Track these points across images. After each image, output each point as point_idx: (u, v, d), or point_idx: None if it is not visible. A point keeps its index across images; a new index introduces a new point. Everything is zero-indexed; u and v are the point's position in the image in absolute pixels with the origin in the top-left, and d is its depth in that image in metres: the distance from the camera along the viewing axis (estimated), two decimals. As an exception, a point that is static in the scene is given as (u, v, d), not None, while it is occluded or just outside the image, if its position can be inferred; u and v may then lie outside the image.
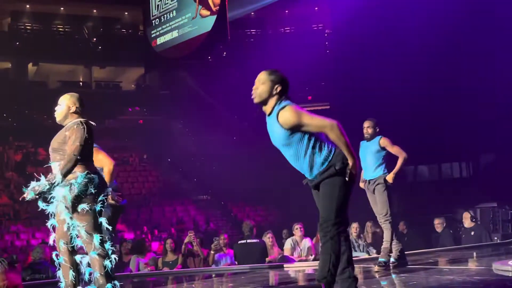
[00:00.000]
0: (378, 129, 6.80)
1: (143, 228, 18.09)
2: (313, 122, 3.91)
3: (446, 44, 16.94)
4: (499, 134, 15.16)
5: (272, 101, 4.03)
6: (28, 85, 25.21)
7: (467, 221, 10.32)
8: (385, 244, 6.71)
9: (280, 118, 3.93)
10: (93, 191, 4.38)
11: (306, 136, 3.96)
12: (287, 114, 3.91)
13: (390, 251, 6.77)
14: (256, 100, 4.07)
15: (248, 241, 8.29)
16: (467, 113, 16.37)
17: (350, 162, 3.91)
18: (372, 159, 6.70)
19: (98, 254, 4.35)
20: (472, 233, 10.19)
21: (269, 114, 4.06)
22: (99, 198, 4.44)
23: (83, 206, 4.35)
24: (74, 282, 4.44)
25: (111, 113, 25.20)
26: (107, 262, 4.38)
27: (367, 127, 6.80)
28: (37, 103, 22.85)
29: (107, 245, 4.47)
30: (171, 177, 22.92)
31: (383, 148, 6.67)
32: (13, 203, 18.64)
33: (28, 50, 24.86)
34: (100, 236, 4.39)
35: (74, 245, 4.44)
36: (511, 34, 14.62)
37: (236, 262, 8.40)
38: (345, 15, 21.91)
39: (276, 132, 4.01)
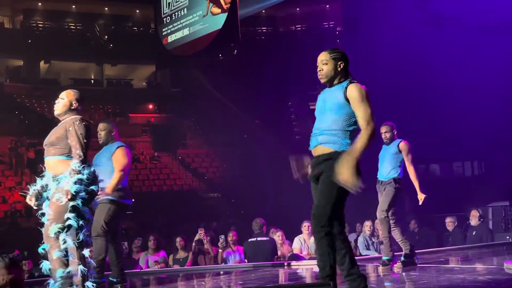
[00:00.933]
0: (395, 132, 6.81)
1: (152, 226, 18.13)
2: (365, 109, 3.96)
3: (460, 41, 16.82)
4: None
5: (338, 79, 4.14)
6: (40, 83, 25.34)
7: (474, 220, 10.22)
8: (384, 240, 6.72)
9: (350, 88, 4.02)
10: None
11: (354, 116, 4.00)
12: (358, 88, 4.01)
13: (393, 249, 6.74)
14: (323, 80, 4.16)
15: (258, 238, 8.27)
16: (480, 111, 16.26)
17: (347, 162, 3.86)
18: (389, 161, 6.71)
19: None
20: (474, 232, 10.09)
21: (332, 86, 4.16)
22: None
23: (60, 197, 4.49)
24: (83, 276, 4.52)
25: (122, 111, 25.30)
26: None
27: (385, 132, 6.82)
28: (49, 101, 22.95)
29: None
30: (181, 175, 22.95)
31: (401, 152, 6.68)
32: (25, 200, 18.75)
33: (40, 48, 25.00)
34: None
35: (81, 240, 4.52)
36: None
37: (246, 260, 8.38)
38: (357, 12, 21.85)
39: (333, 97, 4.08)
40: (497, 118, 16.17)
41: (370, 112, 3.96)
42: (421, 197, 6.70)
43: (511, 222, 11.54)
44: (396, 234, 6.67)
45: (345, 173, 3.78)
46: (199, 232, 9.36)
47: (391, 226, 6.64)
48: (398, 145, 6.70)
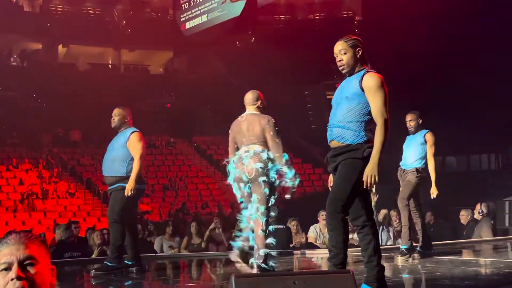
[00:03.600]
0: (420, 121, 6.71)
1: (169, 211, 18.23)
2: (380, 100, 3.95)
3: (481, 34, 16.66)
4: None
5: (358, 66, 4.12)
6: (58, 67, 25.46)
7: (477, 214, 10.13)
8: (403, 229, 6.66)
9: (366, 77, 4.00)
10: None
11: (369, 105, 4.00)
12: (374, 77, 4.00)
13: (412, 238, 6.70)
14: (345, 70, 4.14)
15: (274, 226, 8.25)
16: (499, 105, 16.11)
17: (370, 164, 3.88)
18: (415, 151, 6.63)
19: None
20: (476, 227, 9.99)
21: (352, 74, 4.14)
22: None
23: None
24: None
25: (139, 96, 25.34)
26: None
27: (410, 121, 6.72)
28: (67, 85, 23.08)
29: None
30: (196, 161, 23.02)
31: (426, 142, 6.60)
32: (41, 183, 18.92)
33: (59, 32, 25.08)
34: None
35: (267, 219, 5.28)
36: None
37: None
38: (376, 2, 21.66)
39: (350, 86, 4.08)
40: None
41: (382, 102, 3.95)
42: (434, 191, 6.62)
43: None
44: (417, 223, 6.64)
45: (369, 174, 3.85)
46: (214, 221, 9.43)
47: (413, 214, 6.59)
48: (424, 136, 6.61)
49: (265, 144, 5.32)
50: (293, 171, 5.28)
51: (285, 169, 5.23)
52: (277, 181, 5.24)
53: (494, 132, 16.28)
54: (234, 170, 5.39)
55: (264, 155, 5.26)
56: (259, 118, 5.41)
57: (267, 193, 5.19)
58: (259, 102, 5.52)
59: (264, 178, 5.18)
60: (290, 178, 5.24)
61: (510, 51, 16.16)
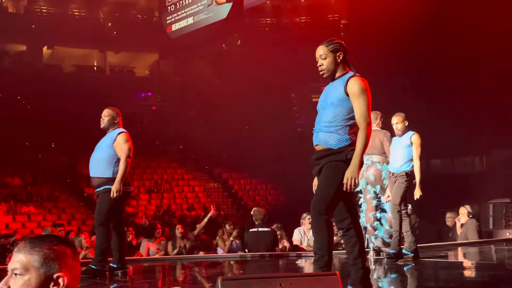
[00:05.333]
0: (407, 123, 6.72)
1: (154, 214, 18.16)
2: (363, 105, 3.98)
3: (461, 38, 16.79)
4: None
5: (340, 70, 4.12)
6: (43, 68, 25.29)
7: (463, 216, 10.18)
8: (394, 234, 6.66)
9: (351, 82, 4.02)
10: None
11: (353, 110, 4.02)
12: (359, 82, 4.02)
13: (401, 243, 6.71)
14: (325, 75, 4.15)
15: (260, 229, 8.26)
16: (482, 108, 16.25)
17: (351, 167, 3.89)
18: (402, 154, 6.61)
19: None
20: (462, 229, 10.06)
21: (334, 80, 4.15)
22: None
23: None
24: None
25: (124, 98, 25.21)
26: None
27: (396, 123, 6.71)
28: (52, 86, 22.93)
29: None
30: (182, 164, 22.96)
31: (412, 144, 6.60)
32: (25, 185, 18.76)
33: (43, 33, 24.91)
34: None
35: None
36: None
37: (246, 250, 8.38)
38: (362, 6, 21.75)
39: (335, 91, 4.09)
40: (498, 114, 16.18)
41: (366, 106, 3.98)
42: (418, 192, 6.63)
43: (511, 219, 11.54)
44: (405, 226, 6.64)
45: (349, 177, 3.87)
46: (212, 210, 9.54)
47: (402, 218, 6.59)
48: (410, 138, 6.62)
49: (383, 154, 6.75)
50: None
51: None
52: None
53: (479, 135, 16.41)
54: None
55: (379, 165, 6.74)
56: (378, 133, 6.74)
57: (379, 194, 6.58)
58: (379, 121, 6.87)
59: (377, 182, 6.58)
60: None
61: (495, 51, 16.32)
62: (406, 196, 6.64)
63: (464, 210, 10.21)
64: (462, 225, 10.12)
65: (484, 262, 7.40)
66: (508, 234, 10.94)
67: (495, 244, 9.67)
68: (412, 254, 6.66)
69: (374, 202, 6.82)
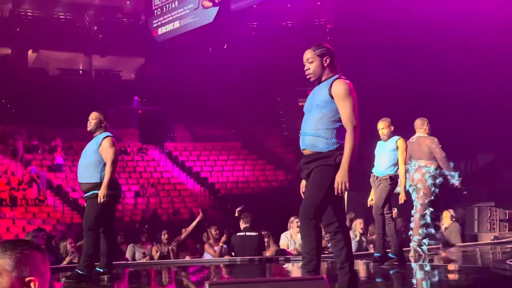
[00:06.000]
0: (392, 128, 6.75)
1: (141, 218, 18.08)
2: (349, 107, 4.00)
3: (451, 44, 16.92)
4: (497, 134, 15.15)
5: (326, 74, 4.15)
6: (28, 72, 25.12)
7: (446, 220, 10.25)
8: (377, 237, 6.69)
9: (335, 85, 4.05)
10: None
11: (339, 112, 4.04)
12: (343, 84, 4.05)
13: (386, 247, 6.73)
14: (312, 79, 4.19)
15: (247, 233, 8.24)
16: (466, 112, 16.39)
17: (341, 171, 3.91)
18: (387, 158, 6.65)
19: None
20: (445, 232, 10.13)
21: (320, 82, 4.18)
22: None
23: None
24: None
25: (110, 102, 25.10)
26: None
27: (382, 128, 6.74)
28: (37, 90, 22.80)
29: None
30: (168, 168, 22.90)
31: (398, 149, 6.63)
32: (10, 189, 18.61)
33: (29, 37, 24.77)
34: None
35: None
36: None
37: (233, 254, 8.36)
38: (348, 11, 21.85)
39: (320, 93, 4.12)
40: (482, 119, 16.32)
41: (351, 109, 4.00)
42: (402, 197, 6.67)
43: (496, 223, 11.63)
44: (390, 229, 6.66)
45: (340, 181, 3.89)
46: (200, 214, 9.65)
47: (387, 221, 6.62)
48: (396, 142, 6.66)
49: (430, 160, 7.24)
50: (457, 174, 7.40)
51: (452, 173, 7.32)
52: (433, 188, 7.22)
53: (464, 140, 16.52)
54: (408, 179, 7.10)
55: (425, 169, 7.22)
56: (425, 140, 7.26)
57: (425, 196, 7.14)
58: (426, 127, 7.38)
59: (423, 185, 7.15)
60: (455, 180, 7.37)
61: (478, 57, 16.49)
62: (390, 200, 6.67)
63: (447, 214, 10.28)
64: (445, 228, 10.19)
65: (469, 265, 7.45)
66: (492, 237, 11.03)
67: (480, 247, 9.74)
68: (398, 258, 6.69)
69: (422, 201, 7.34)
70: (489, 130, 15.25)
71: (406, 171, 6.93)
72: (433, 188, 7.27)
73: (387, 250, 6.71)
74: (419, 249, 7.29)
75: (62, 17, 26.68)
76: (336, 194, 3.91)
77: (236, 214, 9.17)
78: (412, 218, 7.44)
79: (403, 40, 18.03)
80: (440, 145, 7.27)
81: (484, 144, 15.76)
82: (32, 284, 1.96)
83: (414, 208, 7.36)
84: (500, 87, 15.97)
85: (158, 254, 9.06)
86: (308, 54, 4.16)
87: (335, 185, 3.89)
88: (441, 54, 17.01)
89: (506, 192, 12.55)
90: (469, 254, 8.92)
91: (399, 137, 6.71)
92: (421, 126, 7.40)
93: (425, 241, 7.31)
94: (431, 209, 7.33)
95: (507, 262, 5.76)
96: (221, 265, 7.85)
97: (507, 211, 11.18)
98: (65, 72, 26.15)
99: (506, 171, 15.52)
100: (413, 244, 7.35)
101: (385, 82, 18.10)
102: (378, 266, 6.48)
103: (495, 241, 10.57)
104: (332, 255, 4.22)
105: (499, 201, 12.00)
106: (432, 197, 7.30)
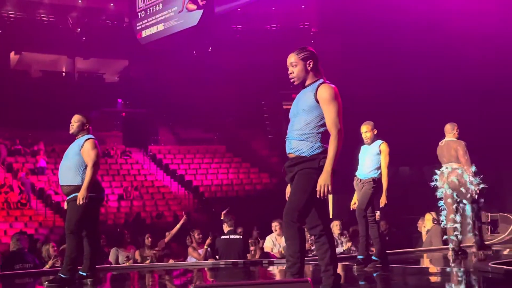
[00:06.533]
0: (375, 132, 6.79)
1: (124, 221, 17.99)
2: (333, 112, 4.03)
3: (436, 45, 17.04)
4: (479, 136, 15.27)
5: (310, 78, 4.18)
6: (10, 74, 24.90)
7: (428, 223, 10.32)
8: (360, 239, 6.72)
9: (320, 89, 4.08)
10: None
11: (324, 117, 4.07)
12: (329, 89, 4.08)
13: (369, 249, 6.76)
14: (296, 82, 4.21)
15: (231, 236, 8.24)
16: (447, 116, 16.49)
17: (324, 174, 3.92)
18: (371, 161, 6.69)
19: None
20: (427, 235, 10.20)
21: (305, 87, 4.20)
22: None
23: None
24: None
25: (94, 105, 24.97)
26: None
27: (365, 132, 6.78)
28: (19, 92, 22.61)
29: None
30: (152, 171, 22.80)
31: (381, 152, 6.66)
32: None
33: (11, 39, 24.54)
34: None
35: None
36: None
37: (218, 257, 8.35)
38: (332, 14, 21.95)
39: (306, 98, 4.14)
40: (464, 123, 16.41)
41: (336, 113, 4.03)
42: (384, 200, 6.70)
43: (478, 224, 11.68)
44: (373, 232, 6.69)
45: (322, 184, 3.90)
46: (184, 217, 9.64)
47: (370, 224, 6.65)
48: (379, 146, 6.69)
49: (459, 162, 7.52)
50: (477, 179, 7.56)
51: (472, 178, 7.48)
52: (473, 187, 7.50)
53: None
54: (439, 181, 7.72)
55: (459, 170, 7.54)
56: (453, 143, 7.61)
57: (471, 197, 7.49)
58: (455, 132, 7.71)
59: (460, 185, 7.47)
60: (475, 184, 7.51)
61: (462, 60, 16.64)
62: (373, 203, 6.70)
63: (429, 216, 10.35)
64: (427, 231, 10.25)
65: (451, 267, 7.51)
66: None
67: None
68: (381, 260, 6.72)
69: (455, 206, 7.66)
70: (472, 132, 15.37)
71: (441, 173, 7.63)
72: (472, 187, 7.59)
73: (370, 253, 6.75)
74: (452, 246, 7.61)
75: (45, 19, 26.47)
76: (318, 197, 3.93)
77: (222, 218, 9.14)
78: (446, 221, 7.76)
79: (387, 43, 18.14)
80: (466, 149, 7.57)
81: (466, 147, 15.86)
82: None
83: (463, 210, 7.76)
84: (478, 92, 16.17)
85: (142, 259, 9.02)
86: (292, 58, 4.19)
87: (318, 188, 3.91)
88: (427, 56, 17.14)
89: (487, 195, 12.65)
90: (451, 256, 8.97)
91: (382, 141, 6.75)
92: (451, 131, 7.77)
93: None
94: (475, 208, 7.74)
95: (490, 264, 5.82)
96: (205, 269, 7.83)
97: (488, 214, 11.24)
98: (48, 74, 25.95)
99: (488, 174, 15.62)
100: (453, 245, 7.67)
101: (369, 85, 18.19)
102: (362, 268, 6.51)
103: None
104: (316, 257, 4.23)
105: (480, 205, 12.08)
106: (475, 196, 7.64)
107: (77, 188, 5.72)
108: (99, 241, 6.19)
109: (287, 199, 4.22)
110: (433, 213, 10.44)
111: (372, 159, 6.68)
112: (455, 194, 7.66)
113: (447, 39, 17.01)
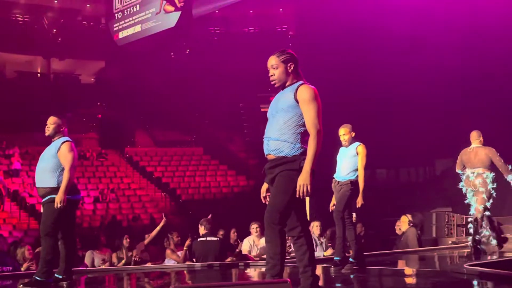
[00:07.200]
0: (354, 134, 6.84)
1: (100, 224, 17.83)
2: (313, 112, 4.05)
3: (414, 48, 17.20)
4: (455, 140, 15.44)
5: (290, 80, 4.20)
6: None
7: (404, 225, 10.42)
8: (337, 241, 6.74)
9: (301, 90, 4.10)
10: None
11: (303, 117, 4.08)
12: (309, 89, 4.10)
13: (346, 250, 6.79)
14: (277, 85, 4.23)
15: (208, 238, 8.21)
16: (423, 119, 16.69)
17: (303, 174, 3.94)
18: (348, 163, 6.73)
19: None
20: (402, 237, 10.30)
21: (284, 88, 4.22)
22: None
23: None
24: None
25: (69, 106, 24.73)
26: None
27: (343, 135, 6.82)
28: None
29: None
30: (129, 174, 22.65)
31: (358, 154, 6.70)
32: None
33: (-15, 39, 24.20)
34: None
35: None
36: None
37: (194, 260, 8.32)
38: (309, 18, 22.06)
39: (285, 98, 4.15)
40: (440, 126, 16.64)
41: (315, 114, 4.05)
42: (360, 201, 6.74)
43: (453, 228, 11.86)
44: (350, 234, 6.72)
45: (301, 184, 3.91)
46: (164, 219, 9.65)
47: (347, 226, 6.68)
48: (356, 148, 6.74)
49: (487, 167, 7.99)
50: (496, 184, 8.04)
51: (494, 185, 8.02)
52: (493, 192, 7.99)
53: (423, 147, 16.82)
54: (463, 184, 8.19)
55: (485, 175, 7.97)
56: (483, 149, 8.07)
57: (485, 199, 7.94)
58: (481, 138, 8.14)
59: (483, 189, 7.92)
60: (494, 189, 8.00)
61: (440, 61, 16.81)
62: (351, 205, 6.74)
63: (405, 219, 10.45)
64: (403, 233, 10.35)
65: (428, 269, 7.58)
66: (450, 242, 11.24)
67: (438, 252, 9.92)
68: (357, 262, 6.75)
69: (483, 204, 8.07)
70: (447, 136, 15.55)
71: (466, 177, 8.13)
72: (492, 192, 8.03)
73: (347, 255, 6.78)
74: (479, 247, 8.03)
75: (20, 19, 26.14)
76: (297, 196, 3.94)
77: (163, 223, 9.24)
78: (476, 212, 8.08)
79: (364, 46, 18.27)
80: (498, 153, 8.04)
81: (442, 150, 16.07)
82: None
83: (473, 209, 8.13)
84: (455, 94, 16.34)
85: (121, 260, 8.95)
86: (273, 60, 4.20)
87: (297, 188, 3.92)
88: (406, 59, 17.29)
89: (463, 197, 12.81)
90: (428, 258, 9.08)
91: (359, 143, 6.80)
92: (477, 138, 8.18)
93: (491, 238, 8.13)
94: (488, 212, 8.07)
95: (465, 266, 5.89)
96: (184, 271, 7.79)
97: (464, 217, 11.39)
98: (23, 75, 25.64)
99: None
100: (471, 243, 8.10)
101: (347, 88, 18.30)
102: (339, 270, 6.54)
103: (452, 245, 10.79)
104: (294, 259, 4.23)
105: (456, 207, 12.24)
106: (491, 200, 8.05)
107: (53, 190, 5.67)
108: (75, 243, 6.13)
109: (262, 199, 4.24)
110: (409, 215, 10.54)
111: (350, 161, 6.72)
112: (471, 195, 8.14)
113: (425, 40, 17.18)
